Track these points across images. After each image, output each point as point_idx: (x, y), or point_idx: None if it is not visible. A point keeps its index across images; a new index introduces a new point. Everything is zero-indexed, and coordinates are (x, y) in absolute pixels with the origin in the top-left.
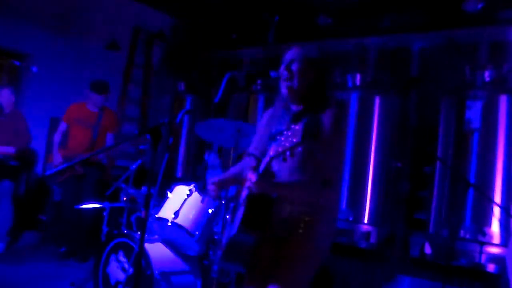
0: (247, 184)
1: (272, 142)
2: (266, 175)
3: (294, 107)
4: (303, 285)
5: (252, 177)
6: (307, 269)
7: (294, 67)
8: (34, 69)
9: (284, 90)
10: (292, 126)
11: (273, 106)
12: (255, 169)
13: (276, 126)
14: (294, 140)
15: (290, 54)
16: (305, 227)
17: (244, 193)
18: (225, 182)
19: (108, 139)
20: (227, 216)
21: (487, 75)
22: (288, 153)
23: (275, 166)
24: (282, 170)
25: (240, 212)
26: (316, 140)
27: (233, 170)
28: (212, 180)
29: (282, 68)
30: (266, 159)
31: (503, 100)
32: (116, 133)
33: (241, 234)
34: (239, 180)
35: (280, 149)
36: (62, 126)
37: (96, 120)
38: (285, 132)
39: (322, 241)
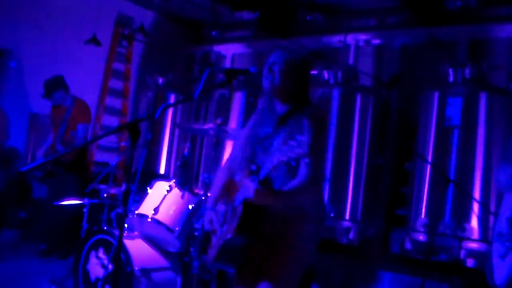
0: (246, 193)
1: (261, 146)
2: (265, 183)
3: (279, 108)
4: (292, 283)
5: (250, 185)
6: (297, 268)
7: (276, 69)
8: (13, 64)
9: (266, 87)
10: (298, 137)
11: (258, 108)
12: (253, 176)
13: (262, 129)
14: (300, 151)
15: (273, 56)
16: (295, 226)
17: (241, 196)
18: (217, 199)
19: (79, 130)
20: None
21: (467, 72)
22: (293, 163)
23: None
24: (277, 177)
25: (235, 217)
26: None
27: (220, 181)
28: (209, 220)
29: (265, 70)
30: (268, 167)
31: (482, 97)
32: (87, 123)
33: (235, 238)
34: (229, 189)
35: (284, 159)
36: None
37: (64, 115)
38: (290, 142)
39: (311, 240)
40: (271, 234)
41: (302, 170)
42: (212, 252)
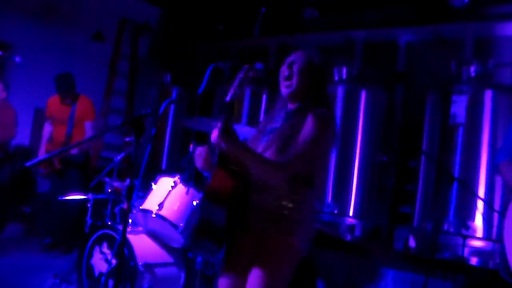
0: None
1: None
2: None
3: (290, 105)
4: (286, 274)
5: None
6: (287, 265)
7: (296, 67)
8: (18, 59)
9: (283, 90)
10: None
11: (274, 106)
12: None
13: (271, 125)
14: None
15: (294, 55)
16: (285, 223)
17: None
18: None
19: (87, 129)
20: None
21: (472, 70)
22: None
23: None
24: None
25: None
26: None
27: None
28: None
29: (283, 67)
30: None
31: (488, 95)
32: (94, 121)
33: (205, 209)
34: None
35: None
36: (48, 123)
37: (70, 113)
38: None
39: (302, 238)
40: (260, 229)
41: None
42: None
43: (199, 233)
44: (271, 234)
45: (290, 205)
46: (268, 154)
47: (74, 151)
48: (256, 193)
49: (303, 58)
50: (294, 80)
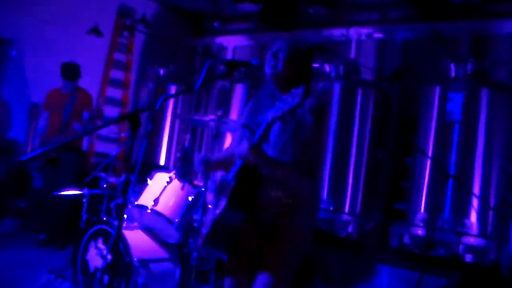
0: (240, 150)
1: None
2: (259, 145)
3: (279, 97)
4: (290, 273)
5: (245, 145)
6: (294, 257)
7: (281, 55)
8: (13, 53)
9: (270, 79)
10: (292, 90)
11: (258, 94)
12: (249, 138)
13: (261, 115)
14: (295, 101)
15: (279, 42)
16: (290, 216)
17: (234, 169)
18: (215, 163)
19: (84, 117)
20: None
21: (469, 67)
22: (288, 116)
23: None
24: (273, 134)
25: (227, 191)
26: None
27: (225, 152)
28: (200, 159)
29: (269, 54)
30: (263, 126)
31: (484, 93)
32: (91, 110)
33: (227, 214)
34: (229, 162)
35: (279, 114)
36: (44, 114)
37: (69, 102)
38: (283, 97)
39: (307, 230)
40: (266, 223)
41: (296, 149)
42: (204, 231)
43: (211, 240)
44: (279, 224)
45: (296, 195)
46: (276, 151)
47: (77, 126)
48: (264, 186)
49: (288, 45)
50: (280, 68)
